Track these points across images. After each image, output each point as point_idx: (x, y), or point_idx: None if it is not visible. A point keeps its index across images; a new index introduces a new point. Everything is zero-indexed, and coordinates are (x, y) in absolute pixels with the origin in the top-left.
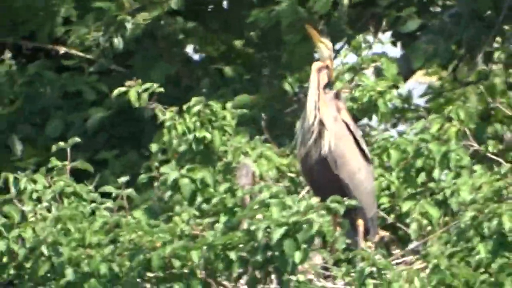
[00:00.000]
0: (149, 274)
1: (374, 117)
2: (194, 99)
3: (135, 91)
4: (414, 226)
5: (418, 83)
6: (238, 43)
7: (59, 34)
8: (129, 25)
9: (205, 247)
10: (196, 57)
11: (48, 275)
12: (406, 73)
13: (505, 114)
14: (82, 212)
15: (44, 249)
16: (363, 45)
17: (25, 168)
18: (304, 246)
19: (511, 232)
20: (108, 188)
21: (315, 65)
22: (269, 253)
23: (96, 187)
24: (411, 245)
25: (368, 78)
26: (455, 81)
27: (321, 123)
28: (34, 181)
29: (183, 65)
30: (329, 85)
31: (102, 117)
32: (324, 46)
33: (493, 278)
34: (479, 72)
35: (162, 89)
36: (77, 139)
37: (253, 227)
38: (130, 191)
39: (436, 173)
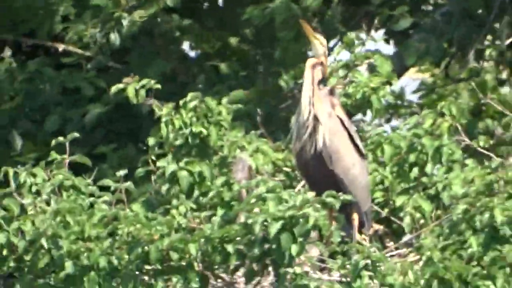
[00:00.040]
0: (147, 267)
1: (368, 113)
2: (190, 95)
3: (133, 87)
4: (407, 219)
5: (411, 80)
6: (233, 40)
7: (58, 31)
8: (125, 22)
9: (202, 240)
10: (192, 54)
11: (48, 267)
12: (399, 70)
13: (495, 110)
14: (81, 205)
15: (44, 241)
16: (356, 42)
17: (25, 162)
18: (300, 239)
19: (502, 226)
20: (106, 182)
21: (310, 62)
22: (266, 246)
23: (94, 181)
24: (405, 238)
25: (361, 74)
26: (447, 78)
27: (316, 119)
28: (34, 175)
29: (180, 62)
30: (323, 81)
31: (100, 113)
32: (318, 42)
33: (485, 270)
34: (471, 69)
35: (159, 86)
36: (76, 134)
37: (250, 221)
38: (128, 184)
39: (428, 168)
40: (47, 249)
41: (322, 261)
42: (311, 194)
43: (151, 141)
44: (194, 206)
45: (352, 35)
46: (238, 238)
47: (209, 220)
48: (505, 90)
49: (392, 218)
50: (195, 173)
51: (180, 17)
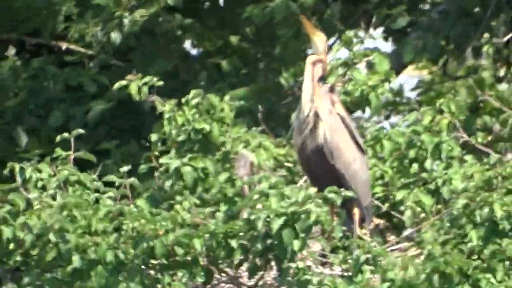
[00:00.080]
0: (153, 261)
1: (367, 110)
2: (192, 92)
3: (136, 84)
4: (408, 213)
5: (410, 77)
6: (234, 38)
7: (60, 30)
8: (126, 21)
9: (207, 235)
10: (193, 52)
11: (55, 261)
12: (397, 67)
13: (493, 107)
14: (87, 200)
15: (51, 236)
16: (355, 40)
17: (30, 159)
18: (302, 235)
19: (502, 220)
20: (111, 178)
21: (310, 59)
22: (269, 242)
23: (99, 176)
24: (405, 232)
25: (360, 72)
26: (445, 75)
27: (316, 115)
28: (39, 171)
29: (181, 60)
30: (323, 78)
31: (103, 109)
32: (318, 39)
33: (485, 264)
34: (468, 67)
35: (161, 83)
36: (81, 131)
37: (253, 217)
38: (132, 180)
39: (428, 163)
40: (55, 243)
41: (324, 256)
42: (313, 190)
43: (153, 137)
44: (197, 202)
45: (350, 33)
46: (241, 234)
47: (212, 215)
48: (502, 87)
49: (393, 213)
50: (199, 169)
51: (182, 17)
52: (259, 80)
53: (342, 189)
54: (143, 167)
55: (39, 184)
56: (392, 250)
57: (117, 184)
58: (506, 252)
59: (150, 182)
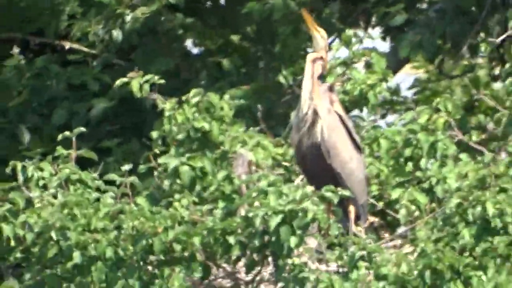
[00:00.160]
0: (152, 258)
1: (365, 109)
2: (193, 91)
3: (137, 82)
4: (403, 211)
5: (407, 76)
6: (234, 37)
7: (63, 28)
8: (128, 19)
9: (205, 232)
10: (195, 51)
11: (56, 258)
12: (395, 66)
13: (488, 106)
14: (88, 199)
15: (53, 233)
16: (354, 40)
17: (32, 157)
18: (299, 232)
19: (494, 218)
20: (111, 176)
21: (310, 56)
22: (266, 238)
23: (100, 175)
24: (399, 230)
25: (358, 72)
26: (441, 74)
27: (315, 113)
28: (41, 169)
29: (183, 58)
30: (323, 76)
31: (105, 108)
32: (319, 35)
33: (477, 261)
34: (464, 66)
35: (162, 80)
36: (82, 129)
37: (251, 214)
38: (133, 178)
39: (423, 162)
40: (56, 241)
41: (320, 252)
42: (310, 188)
43: (154, 134)
44: (196, 200)
45: (350, 32)
46: (239, 230)
47: (210, 213)
48: (497, 85)
49: (387, 211)
50: (197, 168)
51: (183, 16)
52: (259, 79)
53: (338, 188)
54: (142, 167)
55: (41, 182)
56: (386, 247)
57: (117, 182)
58: (497, 250)
59: (150, 181)
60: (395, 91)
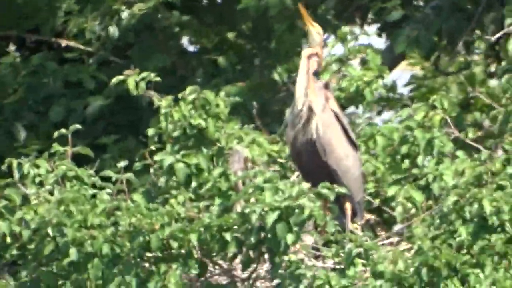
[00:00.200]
0: (148, 254)
1: (360, 106)
2: (189, 88)
3: (133, 79)
4: (399, 209)
5: (403, 72)
6: (230, 35)
7: (59, 24)
8: (124, 15)
9: (202, 229)
10: (191, 48)
11: (52, 255)
12: (391, 63)
13: (484, 103)
14: (84, 195)
15: (49, 230)
16: (349, 37)
17: (28, 154)
18: (295, 228)
19: (491, 215)
20: (107, 173)
21: (306, 52)
22: (262, 235)
23: (96, 172)
24: (396, 228)
25: (354, 69)
26: (437, 71)
27: (310, 109)
28: (37, 166)
29: (179, 56)
30: (318, 73)
31: (101, 105)
32: (315, 30)
33: (474, 259)
34: (460, 63)
35: (158, 78)
36: (78, 126)
37: (247, 210)
38: (129, 175)
39: (419, 160)
40: (52, 237)
41: (317, 249)
42: (306, 185)
43: (150, 131)
44: (192, 196)
45: (346, 29)
46: (235, 227)
47: (206, 209)
48: (493, 83)
49: (384, 208)
50: (192, 165)
51: (180, 13)
52: (254, 76)
53: (335, 185)
54: (137, 165)
55: (37, 179)
56: (382, 245)
57: (113, 179)
58: (494, 248)
59: (146, 177)
60: (392, 88)
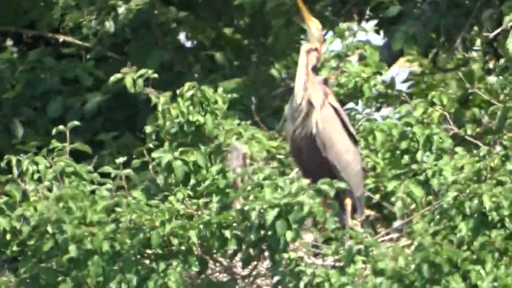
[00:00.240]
0: (148, 251)
1: (359, 102)
2: (187, 84)
3: (131, 77)
4: (399, 204)
5: (401, 69)
6: (227, 30)
7: (56, 17)
8: (121, 10)
9: (201, 226)
10: (188, 44)
11: (52, 251)
12: (389, 59)
13: (482, 99)
14: (83, 192)
15: (49, 227)
16: (347, 33)
17: (26, 151)
18: (295, 226)
19: (491, 211)
20: (106, 169)
21: (305, 47)
22: (262, 232)
23: (94, 168)
24: (396, 224)
25: (352, 65)
26: (435, 67)
27: (309, 103)
28: (36, 163)
29: (176, 52)
30: (316, 68)
31: (99, 101)
32: (314, 25)
33: (474, 255)
34: (458, 59)
35: (156, 75)
36: (76, 123)
37: (247, 208)
38: (128, 171)
39: (419, 155)
40: (52, 234)
41: (317, 246)
42: (305, 181)
43: (148, 129)
44: (191, 193)
45: (343, 25)
46: (235, 224)
47: (206, 206)
48: (491, 79)
49: (383, 204)
50: (190, 163)
51: (177, 9)
52: (251, 71)
53: (334, 181)
54: (135, 162)
55: (36, 176)
56: (382, 241)
57: (113, 175)
58: (495, 244)
59: (145, 173)
60: (390, 84)
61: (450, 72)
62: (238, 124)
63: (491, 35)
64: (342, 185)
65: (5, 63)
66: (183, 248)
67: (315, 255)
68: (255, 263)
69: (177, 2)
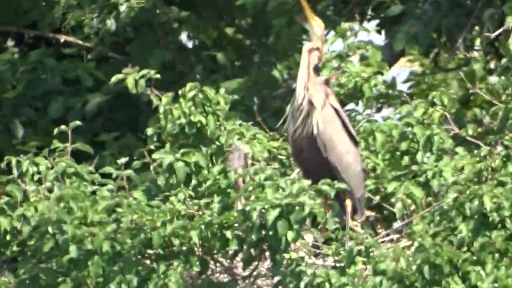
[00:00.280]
0: (149, 252)
1: (360, 103)
2: (189, 85)
3: (132, 78)
4: (399, 205)
5: (402, 69)
6: (229, 30)
7: (57, 16)
8: (122, 8)
9: (203, 226)
10: (190, 44)
11: (52, 252)
12: (390, 60)
13: (484, 99)
14: (84, 192)
15: (49, 228)
16: (349, 33)
17: (27, 151)
18: (296, 226)
19: (491, 212)
20: (108, 169)
21: (306, 46)
22: (263, 233)
23: (95, 168)
24: (396, 225)
25: (354, 65)
26: (436, 67)
27: (310, 103)
28: (36, 164)
29: (178, 52)
30: (318, 68)
31: (100, 102)
32: (316, 24)
33: (475, 256)
34: (459, 59)
35: (158, 76)
36: (78, 123)
37: (248, 208)
38: (129, 172)
39: (419, 156)
40: (52, 234)
41: (317, 247)
42: (306, 182)
43: (149, 131)
44: (192, 194)
45: (345, 25)
46: (236, 225)
47: (207, 207)
48: (493, 79)
49: (384, 205)
50: (191, 164)
51: (178, 9)
52: (253, 72)
53: (335, 182)
54: (136, 163)
55: (36, 177)
56: (382, 242)
57: (114, 176)
58: (495, 245)
59: (146, 174)
60: (391, 84)
61: (451, 72)
62: (240, 125)
63: (493, 35)
64: (342, 186)
65: (6, 63)
66: (184, 248)
67: (316, 255)
68: (255, 263)
69: (179, 2)
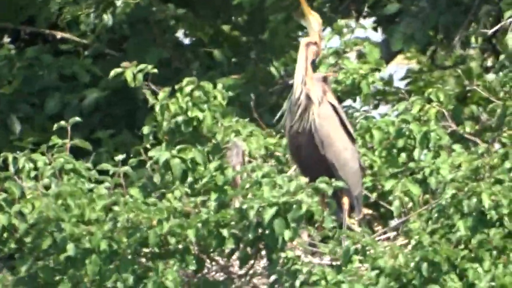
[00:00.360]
0: (145, 250)
1: (357, 100)
2: (186, 80)
3: (131, 71)
4: (396, 203)
5: (399, 67)
6: (226, 27)
7: (53, 11)
8: (119, 3)
9: (199, 225)
10: (186, 41)
11: (50, 250)
12: (387, 57)
13: (481, 96)
14: (81, 189)
15: (48, 225)
16: (345, 30)
17: (24, 147)
18: (293, 225)
19: (489, 210)
20: (105, 166)
21: (304, 41)
22: (260, 231)
23: (93, 165)
24: (393, 223)
25: (351, 62)
26: (433, 65)
27: (308, 97)
28: (33, 160)
29: (174, 49)
30: (315, 63)
31: (97, 98)
32: (314, 18)
33: (473, 253)
34: (456, 57)
35: (156, 70)
36: (77, 119)
37: (245, 206)
38: (126, 168)
39: (416, 153)
40: (50, 232)
41: (314, 245)
42: (304, 180)
43: (145, 129)
44: (188, 191)
45: (341, 22)
46: (233, 223)
47: (204, 204)
48: (490, 77)
49: (381, 202)
50: (188, 160)
51: (175, 7)
52: (249, 68)
53: (332, 179)
54: (132, 160)
55: (32, 173)
56: (379, 240)
57: (111, 172)
58: (493, 242)
59: (143, 171)
60: (388, 81)
61: (448, 69)
62: (237, 121)
63: (490, 32)
64: (340, 183)
65: (3, 60)
66: (180, 247)
67: (312, 253)
68: (252, 262)
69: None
